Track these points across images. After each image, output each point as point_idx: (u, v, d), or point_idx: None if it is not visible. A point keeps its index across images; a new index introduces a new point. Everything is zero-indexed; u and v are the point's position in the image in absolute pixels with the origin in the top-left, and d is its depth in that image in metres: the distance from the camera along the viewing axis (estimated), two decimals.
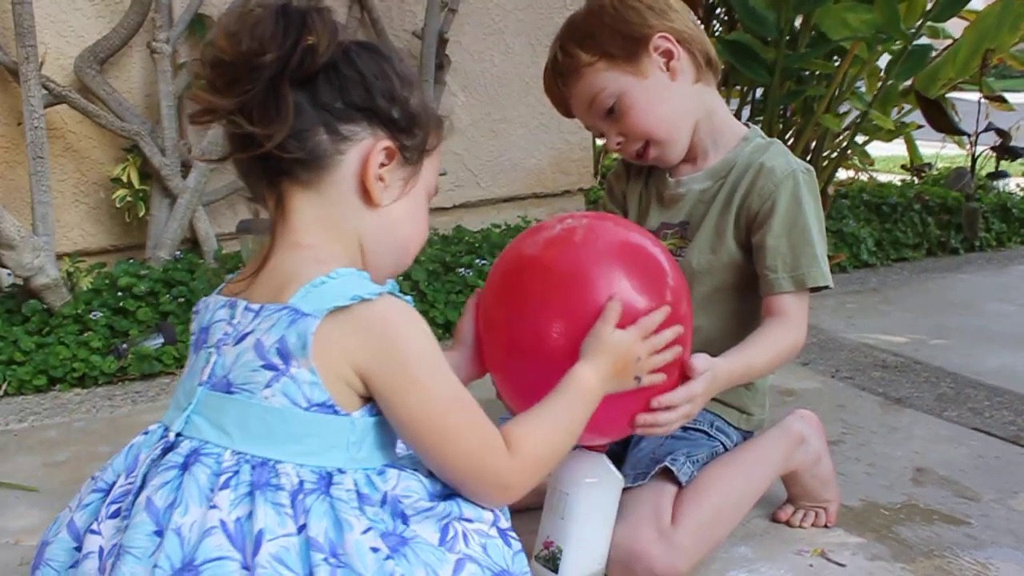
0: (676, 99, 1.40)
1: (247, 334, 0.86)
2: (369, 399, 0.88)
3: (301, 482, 0.84)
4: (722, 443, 1.40)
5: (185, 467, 0.85)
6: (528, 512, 1.30)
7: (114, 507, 0.88)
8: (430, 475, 0.92)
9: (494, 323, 1.15)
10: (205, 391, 0.88)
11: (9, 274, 2.33)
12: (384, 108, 0.92)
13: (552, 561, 1.19)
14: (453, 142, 3.23)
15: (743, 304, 1.41)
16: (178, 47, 2.66)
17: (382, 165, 0.93)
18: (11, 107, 2.53)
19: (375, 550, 0.81)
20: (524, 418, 0.99)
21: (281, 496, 0.83)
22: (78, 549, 0.89)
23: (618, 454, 1.46)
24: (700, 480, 1.31)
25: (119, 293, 2.37)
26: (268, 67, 0.85)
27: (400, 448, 0.95)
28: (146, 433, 0.93)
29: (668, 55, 1.38)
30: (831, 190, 3.36)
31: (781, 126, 3.49)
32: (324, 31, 0.87)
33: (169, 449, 0.88)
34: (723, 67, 3.32)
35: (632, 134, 1.40)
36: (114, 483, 0.91)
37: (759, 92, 3.40)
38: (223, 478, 0.83)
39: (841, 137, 3.47)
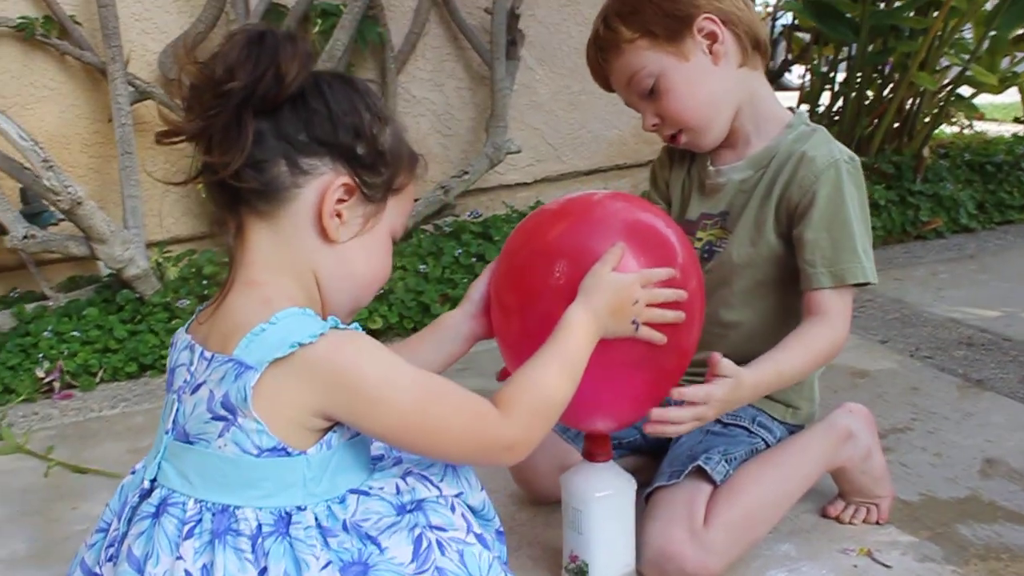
0: (716, 84, 1.36)
1: (200, 384, 0.88)
2: (327, 431, 0.89)
3: (259, 525, 0.86)
4: (763, 439, 1.37)
5: (157, 516, 0.89)
6: (553, 505, 1.30)
7: (110, 550, 0.93)
8: (397, 490, 0.92)
9: (507, 307, 1.14)
10: (170, 439, 0.91)
11: (105, 265, 2.46)
12: (347, 144, 0.91)
13: (581, 574, 1.20)
14: (532, 116, 3.22)
15: (786, 298, 1.36)
16: None
17: (340, 201, 0.92)
18: (103, 104, 2.65)
19: None
20: (516, 375, 0.98)
21: (241, 541, 0.85)
22: None
23: (664, 447, 1.45)
24: (736, 479, 1.29)
25: (204, 281, 2.47)
26: (234, 95, 0.85)
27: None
28: (133, 472, 0.98)
29: (712, 37, 1.34)
30: (926, 151, 3.18)
31: (879, 82, 3.33)
32: (294, 61, 0.87)
33: (146, 496, 0.92)
34: (811, 27, 3.23)
35: (668, 118, 1.37)
36: (111, 523, 0.96)
37: (855, 49, 3.23)
38: (187, 527, 0.87)
39: (943, 93, 3.28)
